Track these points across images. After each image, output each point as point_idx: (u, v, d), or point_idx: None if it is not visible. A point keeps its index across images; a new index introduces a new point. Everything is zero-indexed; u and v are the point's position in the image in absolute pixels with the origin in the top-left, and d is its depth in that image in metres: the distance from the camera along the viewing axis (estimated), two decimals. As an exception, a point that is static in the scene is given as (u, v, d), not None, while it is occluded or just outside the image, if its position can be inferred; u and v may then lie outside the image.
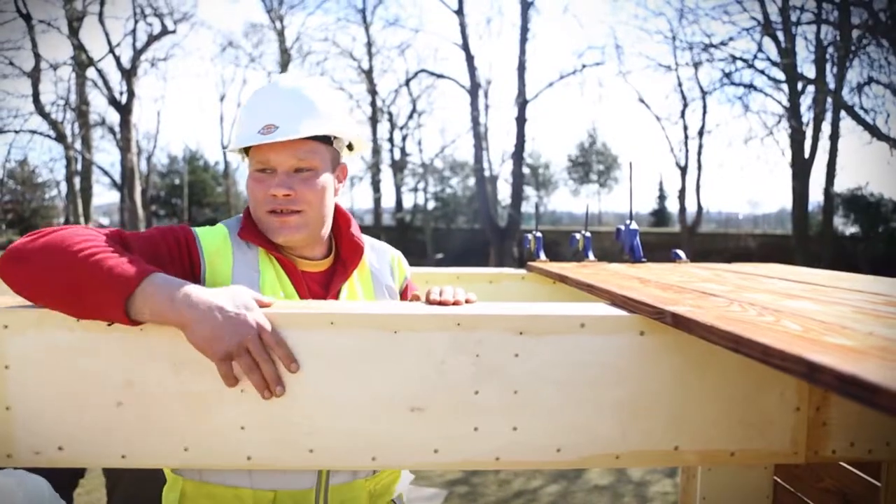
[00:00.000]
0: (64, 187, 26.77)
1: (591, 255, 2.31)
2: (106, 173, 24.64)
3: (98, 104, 23.29)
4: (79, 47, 20.84)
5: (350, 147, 1.42)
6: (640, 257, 2.20)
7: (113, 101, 21.36)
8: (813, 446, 1.15)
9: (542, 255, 2.36)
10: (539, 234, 2.41)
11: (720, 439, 1.13)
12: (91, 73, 21.57)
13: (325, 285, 1.34)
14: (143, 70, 22.83)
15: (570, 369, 1.09)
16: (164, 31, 21.96)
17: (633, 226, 2.28)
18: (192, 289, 1.02)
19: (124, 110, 21.15)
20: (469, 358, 1.09)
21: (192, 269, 1.21)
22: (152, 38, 21.96)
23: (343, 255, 1.37)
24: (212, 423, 1.08)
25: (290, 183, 1.24)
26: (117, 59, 21.52)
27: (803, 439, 1.15)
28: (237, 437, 1.08)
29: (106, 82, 21.38)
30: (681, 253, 2.23)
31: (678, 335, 1.05)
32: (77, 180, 23.52)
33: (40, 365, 1.07)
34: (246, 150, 1.31)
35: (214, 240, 1.25)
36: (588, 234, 2.34)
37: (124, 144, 21.25)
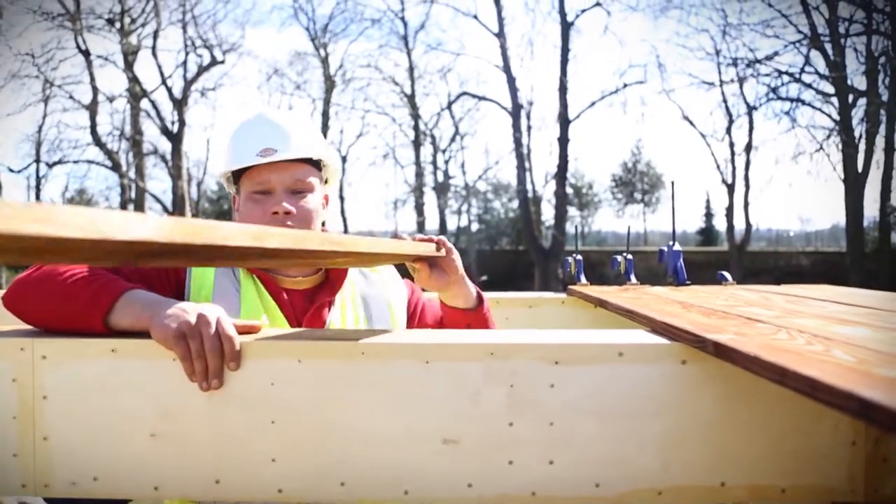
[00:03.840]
0: (119, 215, 27.64)
1: (633, 278, 2.25)
2: (158, 200, 25.39)
3: (151, 134, 24.04)
4: (133, 80, 21.70)
5: (326, 180, 1.48)
6: (684, 280, 2.14)
7: (165, 131, 22.13)
8: (872, 483, 1.08)
9: (583, 279, 2.31)
10: (579, 258, 2.37)
11: (770, 474, 1.07)
12: (144, 103, 22.43)
13: (309, 299, 1.36)
14: (194, 99, 23.55)
15: (609, 400, 1.05)
16: (214, 62, 22.70)
17: (677, 247, 2.22)
18: (164, 299, 1.09)
19: (175, 139, 21.87)
20: (503, 388, 1.06)
21: (177, 284, 1.29)
22: (202, 69, 22.72)
23: (331, 274, 1.41)
24: (243, 455, 1.07)
25: (290, 201, 1.31)
26: (169, 90, 22.33)
27: (861, 475, 1.08)
28: (268, 470, 1.07)
29: (158, 112, 22.21)
30: (727, 275, 2.16)
31: (722, 364, 1.00)
32: (131, 207, 24.31)
33: (77, 395, 1.08)
34: (236, 177, 1.38)
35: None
36: (630, 257, 2.29)
37: (175, 172, 21.91)
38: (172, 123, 22.26)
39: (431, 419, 1.06)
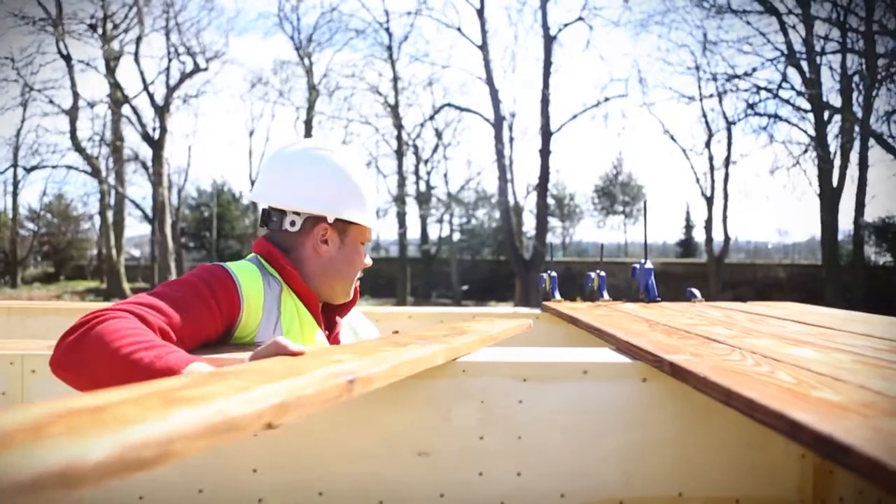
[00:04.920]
0: (97, 220, 27.46)
1: (605, 295, 2.32)
2: (138, 206, 25.24)
3: (132, 140, 23.85)
4: (115, 85, 21.57)
5: None
6: (655, 297, 2.21)
7: (146, 137, 21.99)
8: (820, 494, 1.15)
9: (557, 295, 2.38)
10: (554, 274, 2.43)
11: (725, 486, 1.14)
12: (126, 110, 22.28)
13: (327, 317, 1.49)
14: (176, 106, 23.41)
15: (574, 415, 1.11)
16: (196, 69, 22.63)
17: (648, 264, 2.29)
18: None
19: (157, 145, 21.74)
20: (474, 404, 1.11)
21: (230, 309, 1.25)
22: (185, 76, 22.64)
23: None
24: (226, 466, 1.12)
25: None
26: (151, 97, 22.22)
27: (810, 486, 1.15)
28: (250, 480, 1.12)
29: (140, 119, 22.07)
30: (696, 292, 2.24)
31: (680, 382, 1.06)
32: (110, 213, 24.09)
33: (64, 409, 1.12)
34: (342, 221, 1.42)
35: (253, 283, 1.30)
36: (603, 274, 2.36)
37: (156, 179, 21.78)
38: (154, 130, 22.15)
39: (406, 433, 1.11)
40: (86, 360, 1.00)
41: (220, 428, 0.54)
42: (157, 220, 22.08)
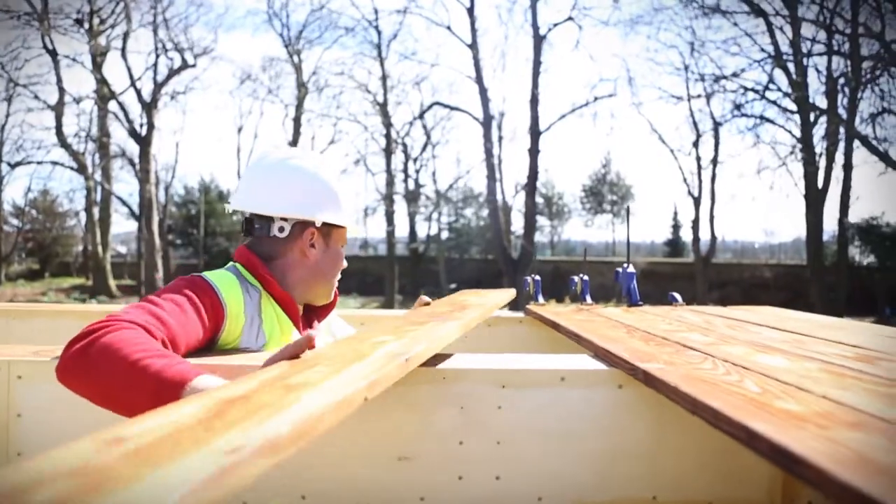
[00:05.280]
0: (83, 217, 27.25)
1: (588, 298, 2.36)
2: (124, 203, 25.05)
3: (118, 136, 23.66)
4: (101, 81, 21.40)
5: None
6: (637, 301, 2.25)
7: (133, 134, 21.84)
8: (789, 496, 1.19)
9: (541, 299, 2.41)
10: (537, 278, 2.47)
11: (698, 489, 1.17)
12: (112, 105, 22.13)
13: (307, 320, 1.52)
14: (163, 103, 23.24)
15: (552, 421, 1.14)
16: (185, 65, 22.50)
17: (631, 269, 2.33)
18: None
19: (144, 142, 21.60)
20: (454, 409, 1.14)
21: (215, 317, 1.29)
22: (173, 72, 22.50)
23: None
24: (210, 470, 1.14)
25: None
26: (138, 93, 22.06)
27: (779, 489, 1.19)
28: (234, 484, 1.14)
29: (127, 115, 21.90)
30: (677, 296, 2.27)
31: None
32: (96, 210, 23.94)
33: (50, 414, 1.14)
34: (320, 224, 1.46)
35: (232, 290, 1.33)
36: (586, 278, 2.39)
37: (143, 175, 21.63)
38: (141, 126, 21.98)
39: (387, 438, 1.14)
40: (93, 367, 1.02)
41: (340, 406, 0.70)
42: (143, 217, 21.93)
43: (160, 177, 26.13)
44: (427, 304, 1.75)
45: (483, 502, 1.15)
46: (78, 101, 21.92)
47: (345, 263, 1.53)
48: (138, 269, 24.08)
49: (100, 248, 23.64)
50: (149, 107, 21.83)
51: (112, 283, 23.76)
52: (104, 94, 21.68)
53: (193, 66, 22.73)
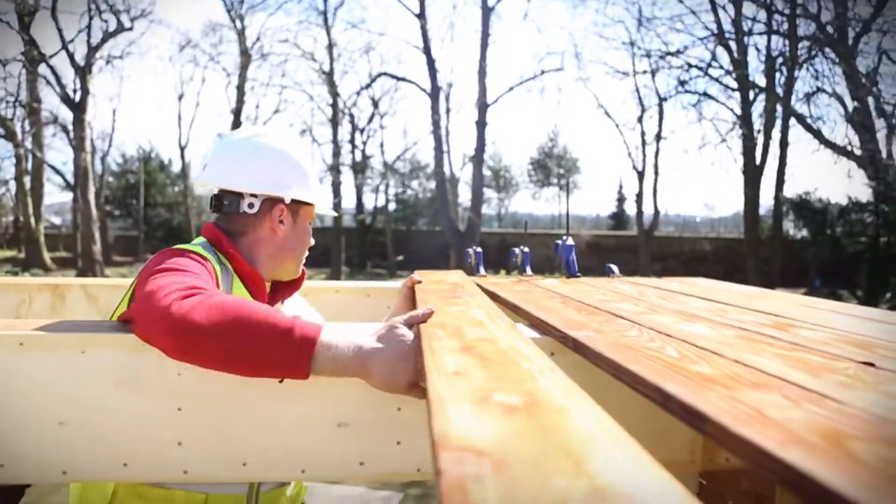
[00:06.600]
0: (13, 186, 26.10)
1: (528, 270, 2.42)
2: (58, 172, 24.12)
3: (50, 102, 22.70)
4: (30, 43, 20.35)
5: None
6: (575, 272, 2.32)
7: (66, 99, 20.89)
8: (709, 455, 1.27)
9: (482, 270, 2.46)
10: (479, 250, 2.51)
11: (624, 450, 1.24)
12: (43, 69, 21.10)
13: (272, 298, 1.53)
14: (98, 68, 22.31)
15: (487, 387, 1.19)
16: (121, 29, 21.60)
17: (570, 241, 2.40)
18: (352, 339, 1.06)
19: (78, 108, 20.70)
20: (393, 377, 1.17)
21: (215, 282, 1.30)
22: (108, 35, 21.57)
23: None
24: (150, 439, 1.15)
25: None
26: (71, 56, 21.07)
27: (700, 449, 1.27)
28: (174, 453, 1.15)
29: (59, 79, 20.92)
30: (614, 268, 2.35)
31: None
32: (27, 179, 22.96)
33: (-15, 387, 1.12)
34: (289, 200, 1.46)
35: (215, 265, 1.35)
36: (526, 250, 2.45)
37: (77, 143, 20.78)
38: (74, 92, 21.05)
39: (327, 405, 1.17)
40: (211, 344, 1.01)
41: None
42: (79, 187, 21.10)
43: (96, 145, 25.19)
44: (418, 282, 1.77)
45: (421, 466, 1.19)
46: (4, 63, 20.81)
47: (312, 241, 1.55)
48: (74, 241, 23.28)
49: (32, 220, 22.74)
50: (83, 71, 20.89)
51: (46, 255, 22.93)
52: (33, 57, 20.67)
53: (130, 29, 21.87)
